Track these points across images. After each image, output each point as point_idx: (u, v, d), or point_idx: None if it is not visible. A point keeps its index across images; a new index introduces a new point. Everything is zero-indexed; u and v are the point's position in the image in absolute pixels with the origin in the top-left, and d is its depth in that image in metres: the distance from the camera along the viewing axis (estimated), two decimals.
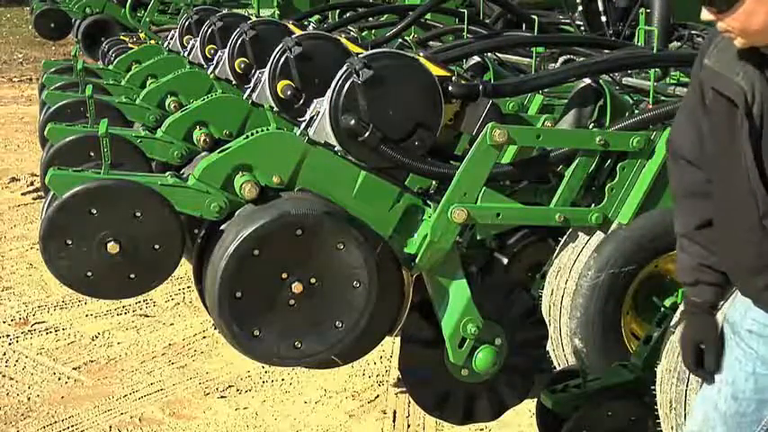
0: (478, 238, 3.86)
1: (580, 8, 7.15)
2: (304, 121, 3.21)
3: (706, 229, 2.33)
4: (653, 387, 3.02)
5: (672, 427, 2.90)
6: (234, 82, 4.61)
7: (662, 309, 3.30)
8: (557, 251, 3.82)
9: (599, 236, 3.51)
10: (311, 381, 4.43)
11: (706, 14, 2.06)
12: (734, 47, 2.08)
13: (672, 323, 2.97)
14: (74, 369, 4.65)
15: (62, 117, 5.26)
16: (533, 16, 5.81)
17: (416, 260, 3.12)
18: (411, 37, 6.03)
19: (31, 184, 8.30)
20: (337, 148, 3.12)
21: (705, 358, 2.37)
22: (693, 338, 2.39)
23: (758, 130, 2.06)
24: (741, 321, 2.31)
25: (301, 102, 3.63)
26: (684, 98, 2.47)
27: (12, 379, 4.55)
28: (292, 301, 2.93)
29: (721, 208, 2.25)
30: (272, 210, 2.95)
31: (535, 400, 3.35)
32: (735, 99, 2.08)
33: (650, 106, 3.63)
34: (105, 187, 3.00)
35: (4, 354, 4.83)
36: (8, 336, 5.05)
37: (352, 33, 6.26)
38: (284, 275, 2.92)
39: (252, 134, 3.20)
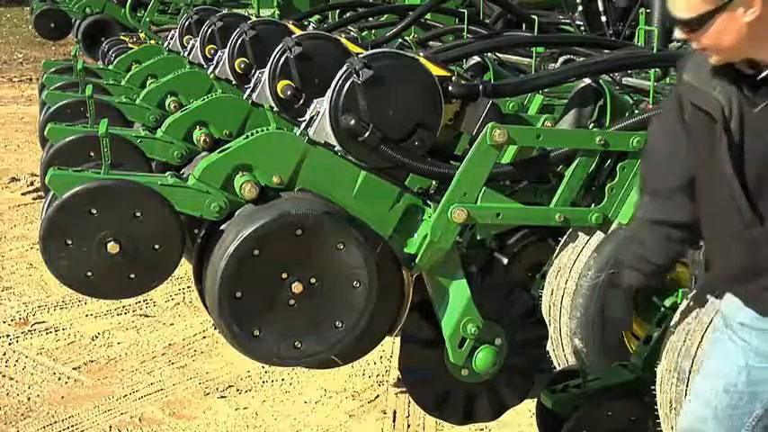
0: (478, 238, 3.86)
1: (580, 8, 7.15)
2: (304, 121, 3.21)
3: (658, 227, 2.43)
4: (653, 387, 3.02)
5: (672, 427, 2.90)
6: (234, 82, 4.61)
7: (662, 309, 3.30)
8: (557, 251, 3.82)
9: (599, 236, 3.51)
10: (311, 381, 4.43)
11: (679, 33, 2.09)
12: (710, 64, 2.12)
13: (672, 323, 2.97)
14: (74, 369, 4.65)
15: (62, 117, 5.26)
16: (533, 16, 5.81)
17: (416, 260, 3.12)
18: (411, 37, 6.03)
19: (31, 184, 8.30)
20: (337, 148, 3.12)
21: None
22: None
23: (737, 144, 2.10)
24: (734, 315, 2.32)
25: (301, 102, 3.63)
26: (661, 113, 2.51)
27: (12, 379, 4.55)
28: (292, 301, 2.94)
29: (706, 218, 2.29)
30: (272, 210, 2.95)
31: (535, 400, 3.35)
32: (713, 113, 2.11)
33: (650, 106, 3.63)
34: (105, 187, 3.00)
35: (4, 354, 4.83)
36: (8, 336, 5.05)
37: (352, 33, 6.26)
38: (284, 275, 2.92)
39: (252, 134, 3.21)
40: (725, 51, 2.05)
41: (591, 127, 3.58)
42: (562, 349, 3.73)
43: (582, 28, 7.08)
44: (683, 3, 2.02)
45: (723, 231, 2.21)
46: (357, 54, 3.34)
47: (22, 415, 4.19)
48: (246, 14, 6.36)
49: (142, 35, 10.03)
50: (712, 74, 2.12)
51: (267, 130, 3.31)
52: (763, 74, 2.05)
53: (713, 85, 2.12)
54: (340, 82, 3.09)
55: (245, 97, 4.15)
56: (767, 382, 2.28)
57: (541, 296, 3.82)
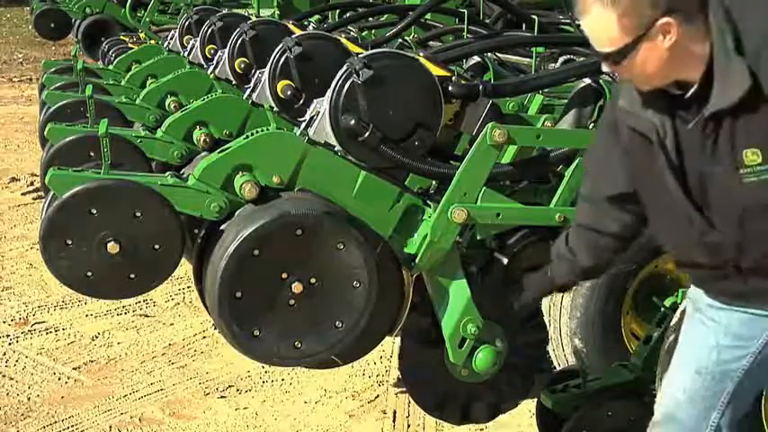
0: (478, 238, 3.86)
1: None
2: (304, 121, 3.21)
3: (587, 232, 2.54)
4: (653, 387, 3.02)
5: None
6: (234, 82, 4.60)
7: (662, 309, 3.30)
8: None
9: None
10: (311, 381, 4.43)
11: (606, 67, 2.16)
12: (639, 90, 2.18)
13: (672, 323, 2.97)
14: (74, 369, 4.65)
15: (62, 117, 5.26)
16: (533, 16, 5.81)
17: (416, 260, 3.12)
18: (411, 37, 6.03)
19: (31, 184, 8.30)
20: (337, 148, 3.12)
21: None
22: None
23: (675, 161, 2.16)
24: (702, 298, 2.37)
25: (301, 102, 3.62)
26: (599, 129, 2.57)
27: (12, 379, 4.55)
28: (292, 301, 2.94)
29: (663, 230, 2.35)
30: (272, 210, 2.95)
31: (535, 400, 3.35)
32: (648, 135, 2.17)
33: None
34: (105, 187, 3.00)
35: (4, 354, 4.83)
36: (8, 336, 5.05)
37: (352, 33, 6.26)
38: (284, 275, 2.92)
39: (252, 134, 3.21)
40: (651, 78, 2.11)
41: (591, 127, 3.58)
42: (562, 349, 3.73)
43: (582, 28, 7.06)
44: (605, 38, 2.07)
45: (682, 240, 2.26)
46: (357, 54, 3.34)
47: (22, 415, 4.19)
48: (246, 14, 6.37)
49: (142, 35, 10.02)
50: (644, 98, 2.18)
51: (267, 130, 3.31)
52: (691, 92, 2.10)
53: (646, 108, 2.18)
54: (340, 82, 3.09)
55: (245, 97, 4.15)
56: (737, 360, 2.32)
57: None
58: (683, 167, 2.15)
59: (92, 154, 4.24)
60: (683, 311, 2.86)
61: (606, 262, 2.64)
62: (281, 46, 3.77)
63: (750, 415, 2.49)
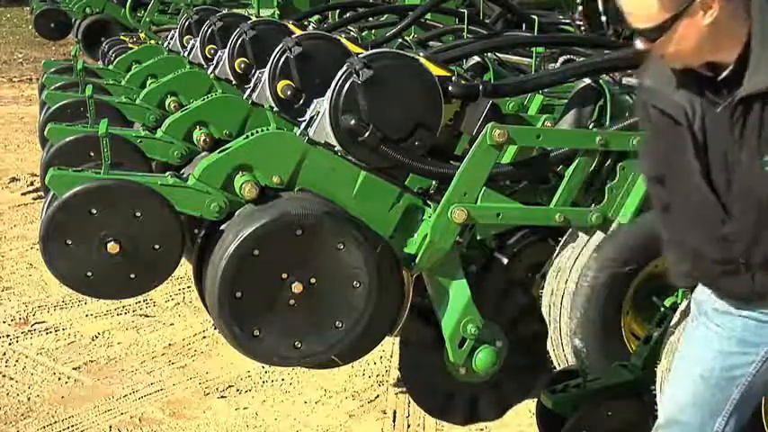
0: (478, 238, 3.86)
1: (580, 8, 7.15)
2: (304, 121, 3.21)
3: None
4: (653, 387, 3.02)
5: None
6: (234, 82, 4.60)
7: (662, 309, 3.30)
8: (557, 251, 3.82)
9: (599, 236, 3.51)
10: (311, 381, 4.43)
11: (640, 44, 2.11)
12: (670, 69, 2.15)
13: (672, 323, 2.97)
14: (74, 369, 4.65)
15: (62, 117, 5.27)
16: (533, 16, 5.81)
17: (416, 260, 3.12)
18: (411, 37, 6.03)
19: (31, 184, 8.29)
20: (337, 148, 3.12)
21: None
22: None
23: (701, 145, 2.13)
24: (707, 300, 2.35)
25: (301, 102, 3.63)
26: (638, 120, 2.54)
27: (12, 379, 4.55)
28: (292, 302, 2.93)
29: (676, 218, 2.31)
30: (272, 210, 2.95)
31: (535, 400, 3.35)
32: (676, 116, 2.14)
33: None
34: (105, 187, 3.00)
35: (4, 354, 4.83)
36: (8, 336, 5.05)
37: (352, 33, 6.26)
38: (284, 275, 2.92)
39: (252, 134, 3.21)
40: (686, 57, 2.09)
41: (591, 127, 3.58)
42: (562, 349, 3.73)
43: (582, 28, 7.08)
44: (643, 14, 2.04)
45: (694, 231, 2.23)
46: (357, 54, 3.34)
47: (22, 415, 4.19)
48: (246, 14, 6.36)
49: (142, 35, 10.03)
50: (673, 78, 2.16)
51: (267, 130, 3.31)
52: (723, 74, 2.08)
53: (675, 88, 2.15)
54: (340, 82, 3.09)
55: (245, 97, 4.15)
56: (742, 367, 2.30)
57: (541, 296, 3.82)
58: (708, 151, 2.12)
59: (92, 154, 4.24)
60: (684, 311, 2.86)
61: None
62: (281, 46, 3.77)
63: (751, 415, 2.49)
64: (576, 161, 3.23)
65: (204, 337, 5.00)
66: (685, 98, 2.13)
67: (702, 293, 2.38)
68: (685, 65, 2.11)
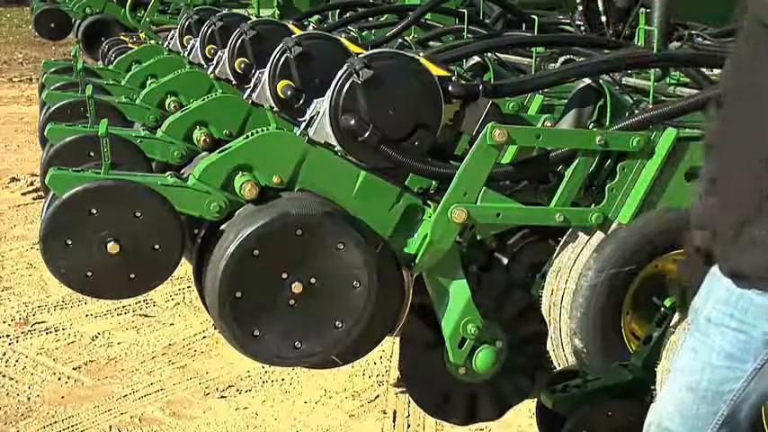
0: (478, 238, 3.86)
1: (580, 8, 7.15)
2: (304, 121, 3.21)
3: None
4: (653, 387, 3.02)
5: None
6: (234, 82, 4.60)
7: (662, 309, 3.30)
8: (557, 251, 3.82)
9: (599, 236, 3.51)
10: (311, 381, 4.43)
11: None
12: None
13: (672, 323, 2.97)
14: (74, 369, 4.65)
15: (62, 117, 5.26)
16: (533, 16, 5.81)
17: (416, 260, 3.12)
18: (411, 37, 6.02)
19: (31, 184, 8.29)
20: (337, 148, 3.12)
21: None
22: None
23: None
24: (702, 308, 2.29)
25: (301, 102, 3.63)
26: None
27: (12, 379, 4.54)
28: (292, 302, 2.94)
29: (729, 139, 2.18)
30: (272, 210, 2.95)
31: (535, 400, 3.35)
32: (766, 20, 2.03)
33: (650, 106, 3.63)
34: (105, 187, 3.00)
35: (4, 354, 4.83)
36: (8, 336, 5.05)
37: (352, 33, 6.26)
38: (284, 275, 2.92)
39: (252, 134, 3.21)
40: None
41: (591, 127, 3.58)
42: (562, 349, 3.73)
43: (582, 28, 7.07)
44: None
45: (739, 156, 2.11)
46: (357, 54, 3.34)
47: (22, 415, 4.19)
48: (246, 14, 6.36)
49: (142, 35, 10.02)
50: None
51: (267, 130, 3.31)
52: None
53: None
54: (340, 82, 3.09)
55: (245, 97, 4.15)
56: (731, 381, 2.24)
57: (541, 296, 3.82)
58: None
59: (92, 154, 4.24)
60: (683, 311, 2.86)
61: None
62: (281, 46, 3.78)
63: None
64: (576, 161, 3.24)
65: (204, 337, 5.00)
66: None
67: (699, 299, 2.32)
68: None
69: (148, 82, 6.05)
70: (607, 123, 3.52)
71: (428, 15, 6.80)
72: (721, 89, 2.23)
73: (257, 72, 4.12)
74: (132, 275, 3.03)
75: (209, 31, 5.24)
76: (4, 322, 5.25)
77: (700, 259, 2.33)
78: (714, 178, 2.23)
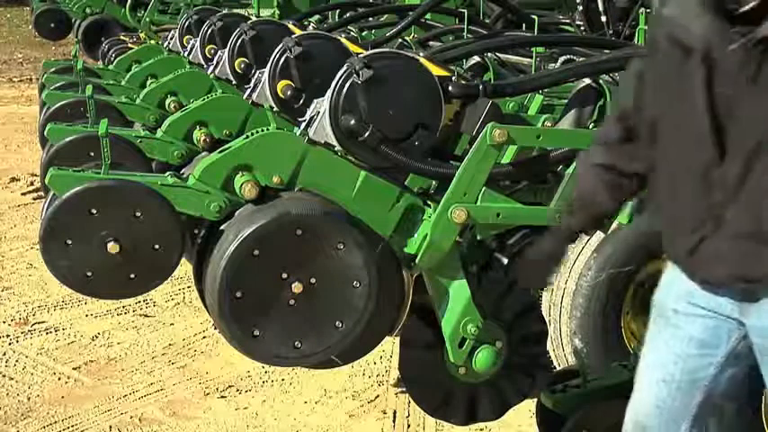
0: (478, 238, 3.87)
1: (580, 8, 7.15)
2: (304, 121, 3.21)
3: (628, 144, 2.38)
4: None
5: None
6: (234, 82, 4.60)
7: None
8: None
9: (599, 236, 3.51)
10: (311, 381, 4.43)
11: None
12: None
13: None
14: (74, 369, 4.65)
15: (62, 117, 5.27)
16: (533, 16, 5.81)
17: (416, 260, 3.12)
18: (411, 37, 6.02)
19: (31, 184, 8.29)
20: (337, 148, 3.12)
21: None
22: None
23: (710, 79, 2.06)
24: (666, 301, 2.32)
25: (301, 102, 3.63)
26: (625, 75, 2.49)
27: (12, 379, 4.55)
28: (292, 302, 2.94)
29: (665, 160, 2.23)
30: (273, 210, 2.95)
31: (535, 400, 3.35)
32: (692, 44, 2.08)
33: None
34: (105, 187, 3.00)
35: (4, 354, 4.83)
36: (8, 336, 5.05)
37: (352, 33, 6.26)
38: (284, 275, 2.92)
39: (252, 134, 3.21)
40: None
41: (591, 127, 3.58)
42: (562, 349, 3.73)
43: (582, 28, 7.07)
44: None
45: (682, 174, 2.16)
46: (357, 54, 3.34)
47: (22, 415, 4.19)
48: (246, 14, 6.37)
49: (142, 35, 10.03)
50: (693, 8, 2.09)
51: (267, 130, 3.31)
52: (744, 8, 2.01)
53: (693, 18, 2.09)
54: (340, 82, 3.09)
55: (245, 97, 4.15)
56: (703, 369, 2.27)
57: (541, 296, 3.82)
58: (714, 89, 2.06)
59: (92, 154, 4.24)
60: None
61: (620, 204, 2.58)
62: (281, 46, 3.78)
63: (748, 414, 2.48)
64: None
65: (204, 337, 5.00)
66: (702, 29, 2.06)
67: (661, 294, 2.35)
68: None
69: (148, 82, 6.05)
70: None
71: (428, 15, 6.80)
72: (654, 111, 2.28)
73: (257, 72, 4.12)
74: (132, 275, 3.03)
75: (209, 31, 5.24)
76: (4, 322, 5.25)
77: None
78: (662, 197, 2.27)
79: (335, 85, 3.09)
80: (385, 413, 4.15)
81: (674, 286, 2.29)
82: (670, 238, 2.28)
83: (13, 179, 8.55)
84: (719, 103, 2.06)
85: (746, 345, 2.23)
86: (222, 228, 3.08)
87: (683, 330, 2.28)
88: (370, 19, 7.17)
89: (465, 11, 6.47)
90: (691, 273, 2.23)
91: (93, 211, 2.95)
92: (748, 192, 2.05)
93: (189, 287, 5.51)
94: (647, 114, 2.28)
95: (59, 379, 4.55)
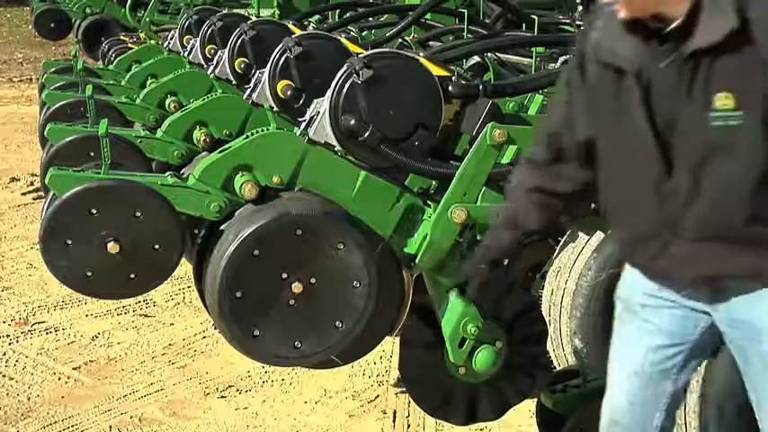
0: (478, 238, 3.86)
1: (580, 8, 7.14)
2: (304, 121, 3.21)
3: (555, 165, 2.43)
4: None
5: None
6: (234, 82, 4.61)
7: None
8: (557, 251, 3.82)
9: (599, 236, 3.51)
10: (311, 381, 4.43)
11: None
12: (618, 20, 2.11)
13: None
14: (74, 369, 4.65)
15: (62, 117, 5.27)
16: (533, 16, 5.81)
17: (416, 260, 3.12)
18: (411, 37, 6.03)
19: (31, 184, 8.29)
20: (337, 148, 3.12)
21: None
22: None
23: (647, 97, 2.10)
24: (632, 296, 2.36)
25: (301, 102, 3.63)
26: (554, 97, 2.55)
27: (12, 379, 4.54)
28: (292, 302, 2.94)
29: (614, 177, 2.27)
30: (273, 210, 2.95)
31: (535, 400, 3.35)
32: (624, 67, 2.11)
33: None
34: (105, 187, 3.00)
35: (4, 354, 4.83)
36: (8, 336, 5.05)
37: (352, 33, 6.26)
38: (284, 275, 2.92)
39: (252, 134, 3.21)
40: (636, 3, 2.05)
41: None
42: (562, 349, 3.73)
43: (582, 28, 7.05)
44: None
45: (634, 188, 2.20)
46: (357, 54, 3.34)
47: (22, 415, 4.19)
48: (246, 14, 6.37)
49: (142, 35, 10.03)
50: (621, 30, 2.13)
51: (267, 130, 3.31)
52: (670, 28, 2.05)
53: (622, 40, 2.13)
54: (340, 82, 3.09)
55: (245, 97, 4.15)
56: (672, 358, 2.32)
57: (541, 296, 3.82)
58: (652, 105, 2.10)
59: (92, 154, 4.25)
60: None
61: (551, 222, 2.61)
62: (281, 46, 3.78)
63: (748, 414, 2.48)
64: None
65: (204, 337, 5.00)
66: (632, 50, 2.11)
67: (626, 290, 2.39)
68: (633, 13, 2.08)
69: (148, 82, 6.05)
70: None
71: (428, 15, 6.80)
72: (587, 132, 2.31)
73: (257, 72, 4.12)
74: (132, 275, 3.03)
75: (209, 31, 5.24)
76: (4, 322, 5.25)
77: None
78: (616, 212, 2.32)
79: (335, 85, 3.09)
80: (385, 413, 4.15)
81: (638, 283, 2.33)
82: (629, 249, 2.33)
83: (13, 179, 8.55)
84: (660, 120, 2.10)
85: (713, 334, 2.28)
86: (222, 228, 3.08)
87: (650, 323, 2.33)
88: (370, 19, 7.17)
89: (465, 11, 6.47)
90: (655, 278, 2.28)
91: (93, 211, 2.95)
92: (702, 199, 2.09)
93: (189, 287, 5.51)
94: (578, 135, 2.32)
95: (59, 379, 4.55)
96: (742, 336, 2.21)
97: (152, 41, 8.68)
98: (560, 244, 3.83)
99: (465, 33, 6.03)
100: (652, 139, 2.11)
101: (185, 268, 4.06)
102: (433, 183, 3.50)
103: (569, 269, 3.69)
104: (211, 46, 5.17)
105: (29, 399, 4.34)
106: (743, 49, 1.97)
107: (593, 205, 2.59)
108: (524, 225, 2.58)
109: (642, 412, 2.38)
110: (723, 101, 2.00)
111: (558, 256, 3.80)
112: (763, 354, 2.18)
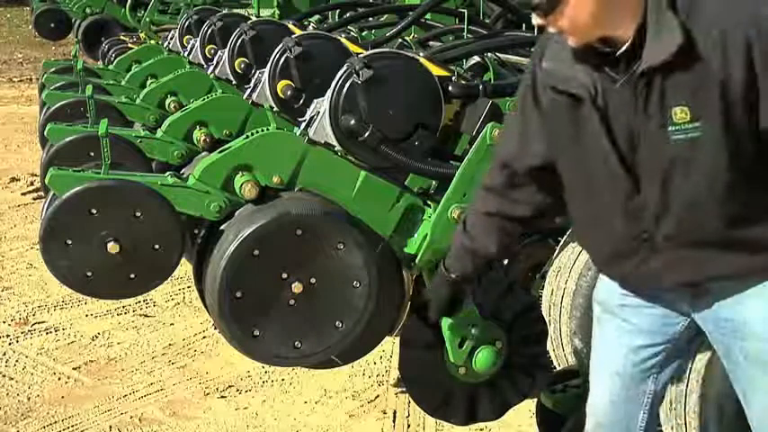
0: None
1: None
2: (304, 121, 3.21)
3: (492, 218, 2.47)
4: None
5: (672, 427, 2.90)
6: (234, 82, 4.60)
7: None
8: (557, 251, 3.82)
9: None
10: (311, 381, 4.43)
11: (536, 19, 2.11)
12: (568, 48, 2.13)
13: None
14: (74, 369, 4.65)
15: (62, 117, 5.27)
16: None
17: (416, 260, 3.12)
18: (411, 37, 6.02)
19: (31, 184, 8.29)
20: (337, 148, 3.12)
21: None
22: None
23: (606, 119, 2.11)
24: (610, 298, 2.37)
25: (301, 102, 3.63)
26: (508, 119, 2.55)
27: (12, 379, 4.54)
28: (292, 302, 2.94)
29: (579, 198, 2.29)
30: (273, 210, 2.95)
31: (535, 400, 3.35)
32: (579, 93, 2.13)
33: None
34: (105, 187, 3.01)
35: (4, 354, 4.83)
36: (8, 336, 5.05)
37: (352, 33, 6.26)
38: (284, 275, 2.92)
39: (252, 134, 3.21)
40: (582, 29, 2.06)
41: None
42: (562, 349, 3.73)
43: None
44: None
45: (604, 208, 2.21)
46: (357, 54, 3.34)
47: (22, 415, 4.19)
48: (246, 14, 6.37)
49: (142, 35, 10.03)
50: (572, 57, 2.14)
51: (267, 130, 3.31)
52: (621, 50, 2.06)
53: (574, 67, 2.14)
54: (340, 82, 3.09)
55: (245, 97, 4.15)
56: (653, 357, 2.33)
57: (541, 296, 3.82)
58: (611, 126, 2.12)
59: (92, 154, 4.24)
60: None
61: (510, 246, 2.63)
62: (281, 46, 3.78)
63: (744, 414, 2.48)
64: None
65: (204, 337, 5.00)
66: (585, 75, 2.12)
67: (604, 292, 2.39)
68: (581, 40, 2.09)
69: (148, 82, 6.05)
70: None
71: (428, 15, 6.79)
72: (546, 157, 2.32)
73: (257, 72, 4.12)
74: (132, 275, 3.03)
75: (209, 31, 5.24)
76: (4, 322, 5.25)
77: None
78: (587, 234, 2.35)
79: (335, 85, 3.09)
80: (385, 413, 4.15)
81: (616, 285, 2.34)
82: (606, 265, 2.34)
83: (13, 179, 8.55)
84: (621, 140, 2.11)
85: (692, 333, 2.31)
86: (222, 228, 3.08)
87: (630, 323, 2.34)
88: (370, 19, 7.16)
89: (465, 11, 6.46)
90: (636, 288, 2.30)
91: (93, 211, 2.95)
92: (672, 213, 2.11)
93: (189, 287, 5.51)
94: (533, 160, 2.34)
95: (59, 379, 4.55)
96: (725, 333, 2.22)
97: (152, 41, 8.68)
98: (560, 244, 3.82)
99: (465, 33, 6.03)
100: (616, 159, 2.12)
101: (185, 268, 4.06)
102: (433, 183, 3.50)
103: (569, 269, 3.68)
104: (211, 46, 5.17)
105: (29, 399, 4.34)
106: (693, 63, 1.99)
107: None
108: (484, 251, 2.55)
109: (625, 412, 2.39)
110: (680, 114, 2.02)
111: (558, 256, 3.79)
112: (745, 349, 2.19)
